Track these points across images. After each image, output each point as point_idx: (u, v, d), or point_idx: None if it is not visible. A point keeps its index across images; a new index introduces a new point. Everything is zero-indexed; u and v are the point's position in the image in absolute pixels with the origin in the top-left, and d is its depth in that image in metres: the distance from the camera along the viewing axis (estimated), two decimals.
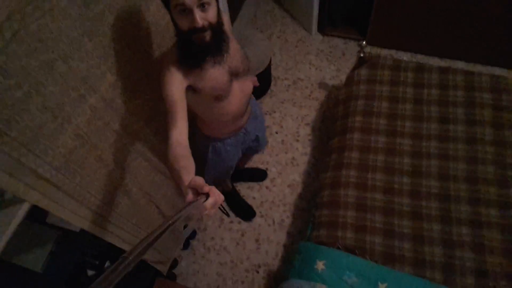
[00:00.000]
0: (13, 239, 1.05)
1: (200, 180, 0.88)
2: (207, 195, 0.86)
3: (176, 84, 1.22)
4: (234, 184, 2.44)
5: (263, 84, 2.77)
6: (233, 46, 1.36)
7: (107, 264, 1.59)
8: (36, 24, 0.93)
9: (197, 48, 1.21)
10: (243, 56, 1.43)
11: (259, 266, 2.18)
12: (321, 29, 3.06)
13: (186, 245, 2.27)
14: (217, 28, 1.21)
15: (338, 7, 2.89)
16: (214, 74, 1.29)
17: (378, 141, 2.03)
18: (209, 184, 0.90)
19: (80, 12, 1.07)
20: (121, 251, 1.53)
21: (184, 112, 1.20)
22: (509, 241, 1.69)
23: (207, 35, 1.18)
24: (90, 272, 1.55)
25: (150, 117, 1.53)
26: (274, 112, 2.73)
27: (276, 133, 2.64)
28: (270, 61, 2.64)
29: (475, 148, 1.94)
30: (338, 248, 1.75)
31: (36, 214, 1.42)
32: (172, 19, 1.20)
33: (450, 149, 1.96)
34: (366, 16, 2.73)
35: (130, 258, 0.61)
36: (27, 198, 1.03)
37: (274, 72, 2.88)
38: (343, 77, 2.82)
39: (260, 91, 2.75)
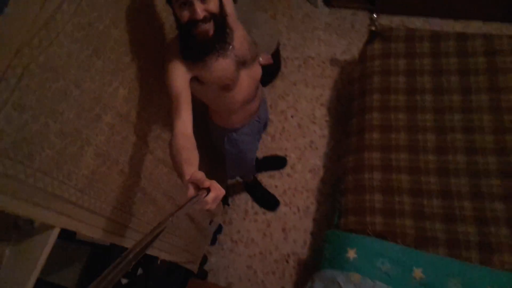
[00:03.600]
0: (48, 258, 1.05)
1: (200, 174, 0.87)
2: (208, 190, 0.85)
3: (179, 76, 1.18)
4: (255, 175, 2.41)
5: (273, 67, 2.69)
6: (239, 34, 1.30)
7: (139, 271, 1.60)
8: (45, 54, 0.89)
9: (199, 43, 1.16)
10: (250, 43, 1.38)
11: (289, 256, 2.19)
12: (327, 1, 2.94)
13: (214, 241, 2.28)
14: (219, 19, 1.16)
15: None
16: (220, 66, 1.25)
17: (399, 118, 1.97)
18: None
19: (86, 33, 1.01)
20: (151, 256, 1.54)
21: (188, 103, 1.16)
22: None
23: (210, 28, 1.14)
24: (124, 281, 1.56)
25: (166, 122, 1.50)
26: (287, 95, 2.66)
27: (292, 117, 2.58)
28: (278, 43, 2.56)
29: (500, 117, 1.86)
30: (369, 234, 1.73)
31: (65, 232, 1.42)
32: (174, 13, 1.17)
33: (474, 120, 1.89)
34: None
35: (130, 256, 0.60)
36: (56, 224, 1.03)
37: (282, 52, 2.79)
38: (355, 51, 2.72)
39: (270, 74, 2.68)
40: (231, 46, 1.25)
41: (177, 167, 0.99)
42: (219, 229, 2.31)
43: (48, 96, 0.92)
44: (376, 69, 2.12)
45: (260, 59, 1.82)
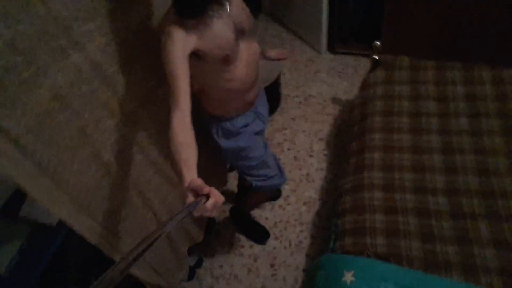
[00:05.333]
0: None
1: (199, 181, 0.87)
2: (207, 196, 0.85)
3: (178, 50, 1.10)
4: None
5: (272, 101, 2.63)
6: (238, 2, 1.26)
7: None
8: None
9: None
10: (248, 12, 1.32)
11: None
12: (331, 48, 2.99)
13: (192, 275, 1.98)
14: None
15: (347, 23, 2.84)
16: (218, 31, 1.17)
17: (403, 139, 1.83)
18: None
19: None
20: (109, 260, 1.28)
21: (187, 87, 1.09)
22: None
23: None
24: None
25: (148, 100, 1.37)
26: (285, 129, 2.55)
27: (288, 149, 2.44)
28: (279, 77, 2.53)
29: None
30: (369, 256, 1.47)
31: (8, 209, 1.21)
32: None
33: (485, 142, 1.73)
34: (377, 30, 2.64)
35: (130, 258, 0.61)
36: None
37: (284, 90, 2.76)
38: (357, 92, 2.67)
39: (269, 108, 2.60)
40: (229, 6, 1.19)
41: (175, 166, 0.98)
42: (199, 262, 2.02)
43: None
44: (379, 94, 2.04)
45: (273, 54, 1.74)
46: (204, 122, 1.55)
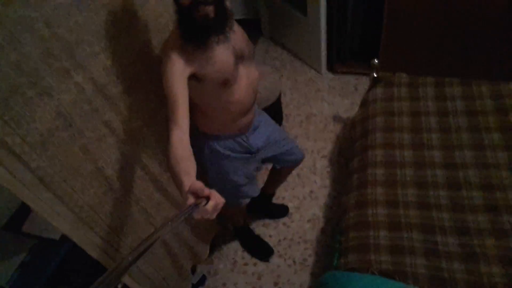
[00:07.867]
0: None
1: (199, 184, 0.87)
2: (208, 198, 0.85)
3: (177, 73, 1.13)
4: (250, 220, 2.19)
5: (274, 120, 2.65)
6: (237, 27, 1.30)
7: None
8: None
9: (200, 25, 1.13)
10: (247, 38, 1.36)
11: None
12: (331, 68, 3.03)
13: None
14: (220, 2, 1.14)
15: (345, 44, 2.88)
16: (219, 56, 1.21)
17: (405, 155, 1.82)
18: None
19: None
20: None
21: (186, 108, 1.11)
22: None
23: (210, 11, 1.11)
24: None
25: (151, 119, 1.39)
26: None
27: None
28: (280, 95, 2.56)
29: None
30: (373, 273, 1.45)
31: (12, 224, 1.22)
32: None
33: (488, 156, 1.73)
34: (375, 49, 2.69)
35: (130, 258, 0.64)
36: None
37: (285, 110, 2.78)
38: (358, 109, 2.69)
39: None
40: (230, 33, 1.22)
41: (175, 178, 0.98)
42: (202, 281, 1.99)
43: (10, 18, 0.86)
44: (379, 111, 2.05)
45: None
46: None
